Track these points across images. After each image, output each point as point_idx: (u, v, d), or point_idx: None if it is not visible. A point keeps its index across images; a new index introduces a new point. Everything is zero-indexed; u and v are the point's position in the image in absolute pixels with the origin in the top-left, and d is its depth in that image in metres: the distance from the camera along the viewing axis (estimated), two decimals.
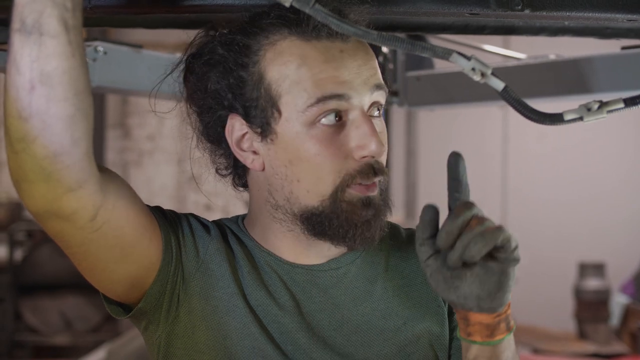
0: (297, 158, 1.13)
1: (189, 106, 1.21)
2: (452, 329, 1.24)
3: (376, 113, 1.16)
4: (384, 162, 1.16)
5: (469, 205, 1.00)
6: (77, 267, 1.13)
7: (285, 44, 1.13)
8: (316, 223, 1.14)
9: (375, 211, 1.14)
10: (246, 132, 1.16)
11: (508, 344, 1.08)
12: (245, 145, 1.17)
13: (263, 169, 1.17)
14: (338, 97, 1.11)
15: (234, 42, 1.15)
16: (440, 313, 1.23)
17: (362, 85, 1.12)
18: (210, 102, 1.17)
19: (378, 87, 1.14)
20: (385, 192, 1.17)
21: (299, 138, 1.12)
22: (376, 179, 1.14)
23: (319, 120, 1.12)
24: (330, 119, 1.12)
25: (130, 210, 1.10)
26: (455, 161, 1.04)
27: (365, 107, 1.14)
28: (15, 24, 0.94)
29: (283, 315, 1.16)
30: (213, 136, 1.20)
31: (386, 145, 1.16)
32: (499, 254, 0.99)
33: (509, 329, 1.06)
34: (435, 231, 1.02)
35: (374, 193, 1.14)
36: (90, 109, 0.99)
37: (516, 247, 1.00)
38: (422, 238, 1.03)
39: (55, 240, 1.08)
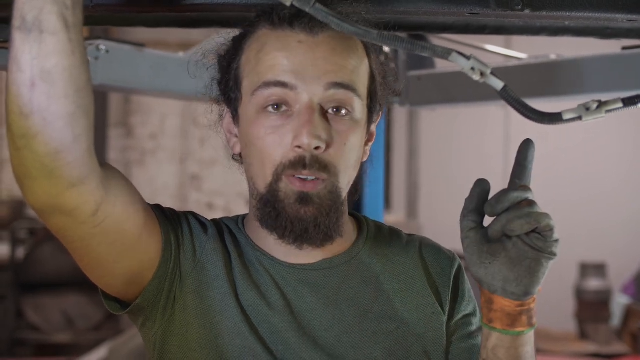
0: (249, 141, 1.17)
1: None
2: (452, 333, 1.24)
3: (342, 113, 1.15)
4: (335, 162, 1.14)
5: (526, 188, 1.05)
6: (78, 262, 1.14)
7: (259, 32, 1.18)
8: (264, 211, 1.17)
9: (314, 210, 1.14)
10: (232, 116, 1.22)
11: (529, 339, 1.10)
12: (234, 130, 1.23)
13: (240, 154, 1.22)
14: (282, 84, 1.13)
15: (237, 35, 1.21)
16: (436, 320, 1.23)
17: (314, 78, 1.13)
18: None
19: (338, 85, 1.14)
20: (333, 194, 1.15)
21: (250, 121, 1.16)
22: (307, 174, 1.13)
23: (266, 106, 1.14)
24: (274, 106, 1.14)
25: (131, 206, 1.11)
26: (525, 148, 1.09)
27: (317, 102, 1.13)
28: (16, 21, 0.94)
29: (273, 315, 1.17)
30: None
31: (345, 147, 1.15)
32: (537, 242, 1.03)
33: (530, 324, 1.08)
34: (481, 205, 1.08)
35: (313, 190, 1.13)
36: (91, 106, 0.99)
37: (556, 241, 1.04)
38: (468, 209, 1.08)
39: (58, 236, 1.09)
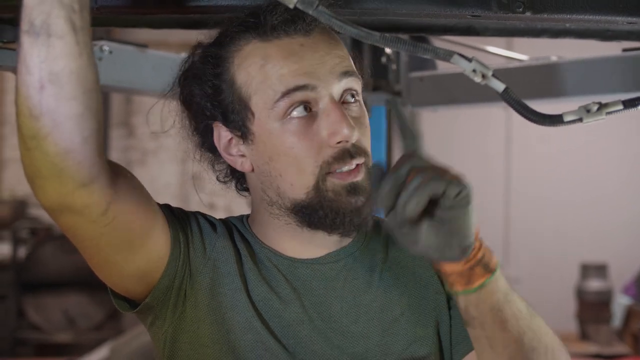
0: (276, 154, 1.16)
1: (187, 122, 1.26)
2: (449, 309, 1.24)
3: (352, 100, 1.18)
4: (366, 145, 1.18)
5: (407, 157, 0.98)
6: (88, 262, 1.15)
7: (249, 47, 1.17)
8: (306, 214, 1.17)
9: (364, 197, 1.16)
10: (231, 138, 1.20)
11: (495, 286, 1.05)
12: (233, 150, 1.21)
13: (252, 170, 1.21)
14: (302, 88, 1.14)
15: (208, 55, 1.20)
16: (440, 300, 1.24)
17: (328, 74, 1.15)
18: (198, 114, 1.23)
19: (346, 74, 1.16)
20: (369, 176, 1.17)
21: (273, 134, 1.16)
22: (354, 162, 1.15)
23: (290, 113, 1.15)
24: (300, 111, 1.15)
25: (140, 205, 1.12)
26: (394, 107, 1.09)
27: (336, 95, 1.16)
28: (24, 25, 0.96)
29: (284, 310, 1.18)
30: (209, 146, 1.24)
31: (366, 129, 1.18)
32: (445, 202, 0.96)
33: (488, 272, 1.04)
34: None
35: (358, 178, 1.16)
36: (100, 106, 1.02)
37: (460, 192, 0.95)
38: (378, 202, 1.00)
39: (68, 235, 1.11)
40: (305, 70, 1.14)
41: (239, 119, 1.18)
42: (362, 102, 1.20)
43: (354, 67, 1.19)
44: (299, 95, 1.14)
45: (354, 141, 1.15)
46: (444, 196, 0.96)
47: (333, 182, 1.15)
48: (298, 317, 1.18)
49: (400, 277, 1.25)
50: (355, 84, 1.18)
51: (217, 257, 1.21)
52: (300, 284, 1.20)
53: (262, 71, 1.15)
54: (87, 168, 1.01)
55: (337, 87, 1.16)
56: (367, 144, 1.18)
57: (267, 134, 1.16)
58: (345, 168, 1.15)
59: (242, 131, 1.19)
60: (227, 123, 1.20)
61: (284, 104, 1.14)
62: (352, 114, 1.16)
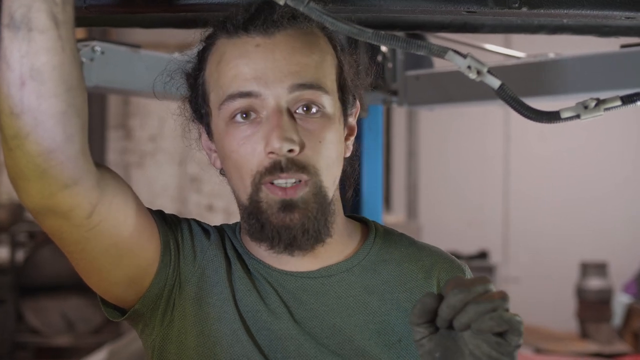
0: (224, 155, 1.15)
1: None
2: None
3: (312, 111, 1.12)
4: (313, 161, 1.11)
5: (487, 280, 0.94)
6: (75, 267, 1.13)
7: (217, 43, 1.15)
8: (249, 223, 1.14)
9: (300, 216, 1.11)
10: (207, 132, 1.20)
11: None
12: (212, 145, 1.20)
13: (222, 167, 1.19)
14: (246, 95, 1.10)
15: (198, 50, 1.19)
16: None
17: (277, 82, 1.10)
18: (190, 108, 1.22)
19: (302, 86, 1.10)
20: (318, 195, 1.12)
21: (222, 135, 1.14)
22: (285, 177, 1.09)
23: (234, 117, 1.12)
24: (243, 117, 1.11)
25: (127, 209, 1.09)
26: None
27: (284, 105, 1.10)
28: (4, 18, 0.93)
29: (272, 322, 1.14)
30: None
31: (321, 145, 1.12)
32: (498, 346, 0.92)
33: None
34: (432, 318, 0.96)
35: (295, 196, 1.10)
36: (84, 105, 0.99)
37: (518, 346, 0.92)
38: (417, 322, 0.96)
39: (53, 239, 1.08)
40: (253, 75, 1.10)
41: (204, 114, 1.18)
42: (328, 114, 1.13)
43: (319, 79, 1.12)
44: (243, 102, 1.11)
45: (286, 154, 1.09)
46: (506, 339, 0.92)
47: (267, 193, 1.11)
48: (287, 331, 1.14)
49: (403, 302, 1.19)
50: (314, 96, 1.11)
51: (207, 265, 1.18)
52: (291, 297, 1.16)
53: (217, 69, 1.14)
54: (70, 169, 0.98)
55: (286, 97, 1.10)
56: (315, 160, 1.11)
57: (218, 133, 1.15)
58: (282, 182, 1.10)
59: (207, 127, 1.18)
60: (198, 118, 1.19)
61: (227, 108, 1.12)
62: (308, 126, 1.11)
